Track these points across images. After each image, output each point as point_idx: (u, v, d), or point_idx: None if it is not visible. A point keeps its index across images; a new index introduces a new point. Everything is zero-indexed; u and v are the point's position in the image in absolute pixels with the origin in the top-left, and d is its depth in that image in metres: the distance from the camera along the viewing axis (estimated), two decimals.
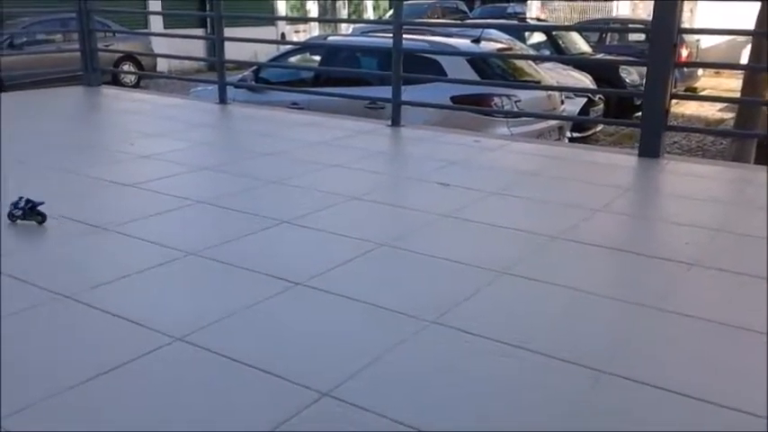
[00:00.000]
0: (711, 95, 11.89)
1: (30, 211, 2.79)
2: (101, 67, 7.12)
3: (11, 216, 2.80)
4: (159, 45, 13.82)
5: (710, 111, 11.10)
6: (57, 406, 1.61)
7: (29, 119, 5.38)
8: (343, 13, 22.20)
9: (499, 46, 7.43)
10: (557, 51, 10.63)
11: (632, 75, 10.60)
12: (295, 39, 18.91)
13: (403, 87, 5.11)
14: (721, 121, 10.50)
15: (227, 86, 6.15)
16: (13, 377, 1.72)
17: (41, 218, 2.80)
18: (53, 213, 2.85)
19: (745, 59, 13.26)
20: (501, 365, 1.82)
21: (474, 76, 6.44)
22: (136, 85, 13.08)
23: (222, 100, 6.03)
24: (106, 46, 11.50)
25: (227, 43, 5.99)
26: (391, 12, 18.92)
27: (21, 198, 2.83)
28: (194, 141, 4.60)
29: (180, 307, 2.16)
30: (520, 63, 7.41)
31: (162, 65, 15.12)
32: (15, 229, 2.78)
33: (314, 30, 20.13)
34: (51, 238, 2.72)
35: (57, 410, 1.60)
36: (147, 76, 13.71)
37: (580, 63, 9.82)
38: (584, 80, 8.84)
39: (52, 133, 4.79)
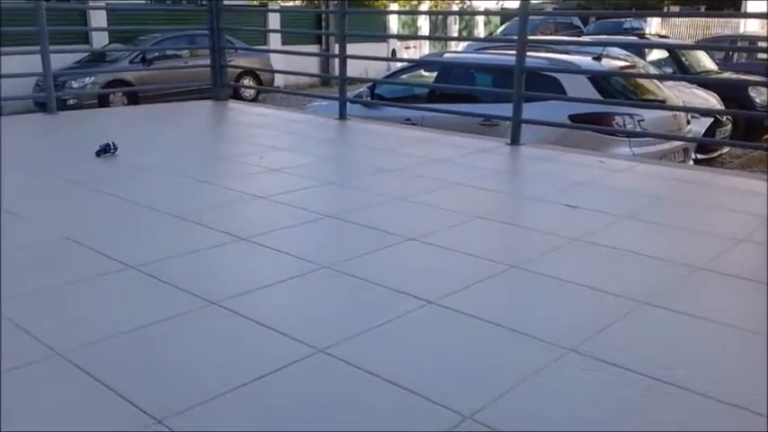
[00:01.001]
0: None
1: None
2: (227, 83, 7.48)
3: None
4: (277, 61, 14.39)
5: None
6: (212, 409, 1.70)
7: (163, 130, 5.74)
8: (454, 30, 22.26)
9: (622, 64, 7.20)
10: (680, 69, 10.19)
11: (763, 95, 10.00)
12: (405, 55, 19.18)
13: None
14: None
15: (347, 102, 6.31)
16: (169, 380, 1.83)
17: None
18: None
19: None
20: (648, 401, 1.75)
21: (595, 94, 6.28)
22: (254, 99, 13.67)
23: (342, 115, 6.19)
24: (229, 62, 12.10)
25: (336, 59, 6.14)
26: (502, 28, 18.71)
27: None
28: (319, 156, 4.74)
29: (319, 319, 2.22)
30: (643, 81, 7.16)
31: (278, 80, 15.72)
32: (166, 238, 2.96)
33: (423, 47, 20.33)
34: (198, 248, 2.87)
35: (211, 414, 1.68)
36: (266, 90, 14.28)
37: (707, 82, 9.35)
38: (711, 100, 8.42)
39: (186, 144, 5.08)
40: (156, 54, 12.95)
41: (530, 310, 2.32)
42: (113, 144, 4.37)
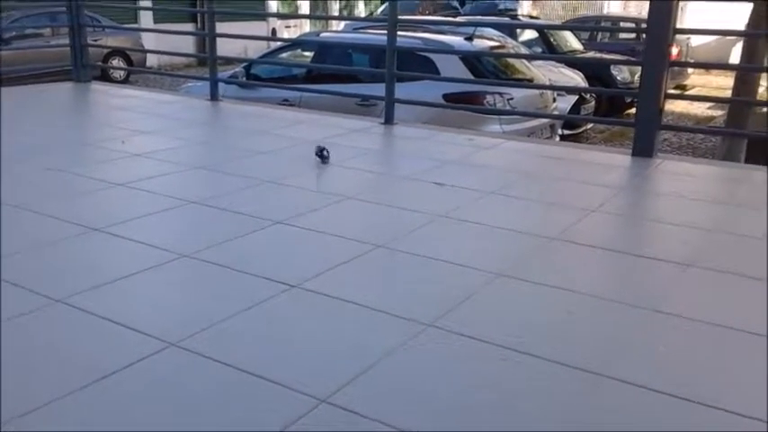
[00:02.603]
0: (705, 95, 11.93)
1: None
2: (90, 63, 7.05)
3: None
4: (149, 40, 13.72)
5: (700, 108, 11.16)
6: (55, 411, 1.59)
7: (18, 115, 5.32)
8: (335, 9, 22.11)
9: (492, 44, 7.41)
10: (548, 49, 10.65)
11: (623, 72, 10.65)
12: (286, 35, 18.85)
13: (396, 85, 5.08)
14: (711, 118, 10.55)
15: (218, 83, 6.11)
16: (11, 382, 1.69)
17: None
18: None
19: (734, 58, 13.34)
20: (499, 369, 1.81)
21: (467, 74, 6.44)
22: (125, 81, 13.00)
23: (213, 96, 5.99)
24: (95, 41, 11.40)
25: (217, 39, 5.94)
26: (383, 8, 18.81)
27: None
28: (187, 139, 4.56)
29: (174, 311, 2.14)
30: (512, 60, 7.41)
31: (151, 60, 15.02)
32: (11, 232, 2.74)
33: (305, 26, 20.08)
34: (43, 240, 2.68)
35: (56, 416, 1.57)
36: (136, 71, 13.61)
37: (574, 61, 9.82)
38: (576, 78, 8.86)
39: (41, 130, 4.74)
40: (15, 33, 11.99)
41: (392, 288, 2.34)
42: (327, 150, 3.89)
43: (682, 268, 2.48)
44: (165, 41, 13.14)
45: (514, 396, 1.70)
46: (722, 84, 13.10)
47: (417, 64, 6.22)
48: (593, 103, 8.86)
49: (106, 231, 2.74)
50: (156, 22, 15.63)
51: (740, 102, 7.06)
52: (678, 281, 2.40)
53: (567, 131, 7.91)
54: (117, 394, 1.67)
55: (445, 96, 6.11)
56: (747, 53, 7.21)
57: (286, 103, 6.52)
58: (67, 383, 1.69)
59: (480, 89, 6.34)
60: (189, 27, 17.07)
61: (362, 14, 21.44)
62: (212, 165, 3.91)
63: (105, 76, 12.14)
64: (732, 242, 2.80)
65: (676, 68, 12.30)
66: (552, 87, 7.52)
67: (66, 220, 2.85)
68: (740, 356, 1.91)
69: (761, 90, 8.52)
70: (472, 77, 6.44)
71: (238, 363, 1.80)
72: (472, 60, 6.60)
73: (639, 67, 4.18)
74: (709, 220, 3.11)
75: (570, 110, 7.90)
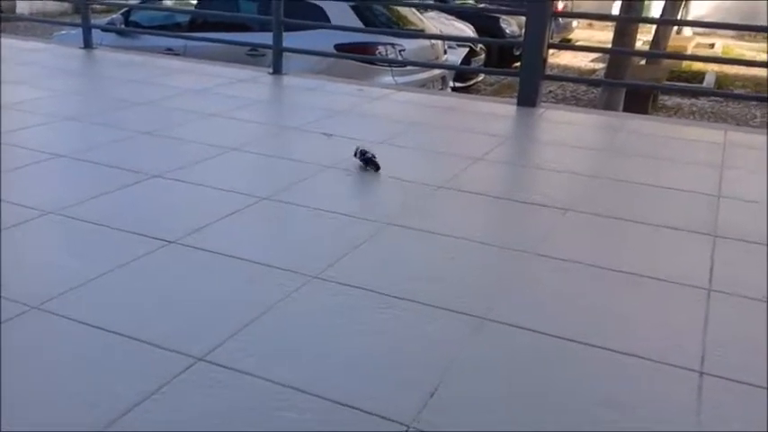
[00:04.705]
0: (585, 45, 12.37)
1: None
2: None
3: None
4: None
5: (584, 61, 11.56)
6: None
7: None
8: None
9: None
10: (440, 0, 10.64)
11: (512, 26, 10.82)
12: None
13: (286, 34, 4.92)
14: (593, 71, 10.96)
15: (94, 30, 5.69)
16: None
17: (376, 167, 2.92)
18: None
19: (616, 11, 13.87)
20: (381, 317, 1.79)
21: (358, 24, 6.31)
22: None
23: (87, 44, 5.58)
24: None
25: None
26: None
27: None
28: (57, 90, 4.23)
29: (38, 272, 1.98)
30: (404, 11, 7.34)
31: (21, 7, 13.81)
32: None
33: None
34: None
35: None
36: (4, 19, 12.47)
37: (463, 13, 9.87)
38: (467, 30, 8.92)
39: None
40: None
41: (277, 241, 2.28)
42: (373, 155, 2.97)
43: (561, 212, 2.55)
44: None
45: (400, 342, 1.69)
46: (604, 38, 13.61)
47: (307, 13, 6.04)
48: (484, 56, 8.97)
49: None
50: None
51: (618, 52, 7.35)
52: (558, 225, 2.47)
53: (458, 84, 7.98)
54: None
55: (337, 47, 5.98)
56: (626, 6, 7.50)
57: (170, 52, 6.17)
58: None
59: (373, 39, 6.24)
60: None
61: None
62: (84, 116, 3.65)
63: None
64: (610, 187, 2.92)
65: (562, 22, 12.69)
66: (443, 37, 7.52)
67: None
68: (617, 296, 1.99)
69: (638, 44, 8.92)
70: (364, 27, 6.32)
71: (108, 324, 1.69)
72: (364, 10, 6.48)
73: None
74: (588, 166, 3.22)
75: (461, 62, 7.96)
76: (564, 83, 9.67)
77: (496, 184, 2.97)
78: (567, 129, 3.87)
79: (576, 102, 8.95)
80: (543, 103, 4.39)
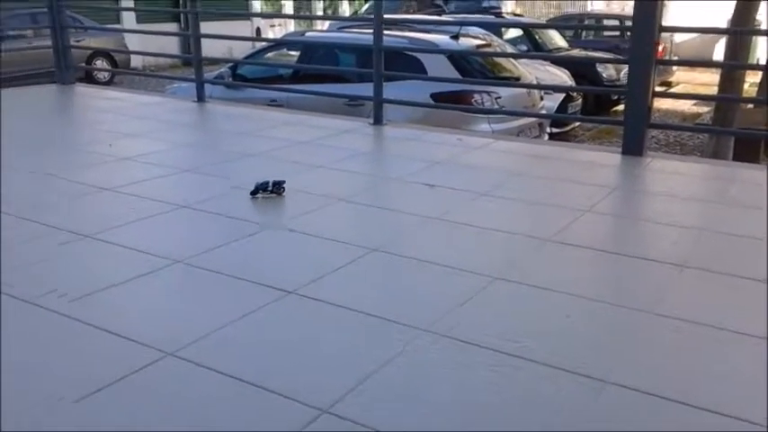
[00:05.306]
0: (692, 93, 11.99)
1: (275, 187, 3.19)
2: (73, 64, 6.96)
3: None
4: (132, 41, 13.59)
5: (686, 105, 11.23)
6: (55, 421, 1.55)
7: (2, 119, 5.24)
8: (319, 9, 22.03)
9: (478, 42, 7.41)
10: (534, 47, 10.68)
11: (609, 70, 10.69)
12: (271, 34, 18.76)
13: (384, 84, 5.06)
14: (698, 115, 10.61)
15: (205, 84, 6.06)
16: (9, 392, 1.66)
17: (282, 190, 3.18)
18: None
19: (717, 54, 13.44)
20: (498, 375, 1.79)
21: (454, 73, 6.42)
22: (109, 82, 12.87)
23: (200, 98, 5.94)
24: (77, 41, 11.28)
25: (201, 39, 5.89)
26: (367, 7, 18.76)
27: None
28: (174, 142, 4.51)
29: (169, 319, 2.10)
30: (499, 59, 7.41)
31: (136, 61, 14.88)
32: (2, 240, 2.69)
33: (289, 25, 19.98)
34: (31, 248, 2.63)
35: (55, 426, 1.54)
36: (121, 72, 13.48)
37: (560, 59, 9.84)
38: (563, 76, 8.88)
39: (27, 134, 4.67)
40: None
41: (388, 293, 2.32)
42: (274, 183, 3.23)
43: (677, 269, 2.48)
44: (149, 42, 13.03)
45: (515, 402, 1.69)
46: (707, 80, 13.20)
47: (404, 63, 6.21)
48: (581, 101, 8.89)
49: (96, 238, 2.70)
50: (138, 22, 15.48)
51: (726, 99, 7.11)
52: (674, 282, 2.39)
53: (555, 130, 7.93)
54: (113, 407, 1.64)
55: (433, 96, 6.10)
56: (731, 50, 7.26)
57: (273, 103, 6.48)
58: (61, 396, 1.65)
59: (468, 88, 6.33)
60: (172, 27, 16.94)
61: (347, 14, 21.37)
62: (201, 167, 3.87)
63: (90, 78, 12.01)
64: (724, 242, 2.81)
65: (662, 66, 12.41)
66: (540, 86, 7.53)
67: (55, 227, 2.80)
68: (739, 359, 1.91)
69: (746, 86, 8.59)
70: (460, 77, 6.43)
71: (236, 372, 1.77)
72: (459, 59, 6.59)
73: (624, 65, 4.19)
74: (701, 219, 3.12)
75: (558, 108, 7.92)
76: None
77: (606, 237, 2.92)
78: (677, 179, 3.77)
79: (680, 148, 8.67)
80: (649, 152, 4.30)
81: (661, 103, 11.15)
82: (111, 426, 1.57)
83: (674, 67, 13.39)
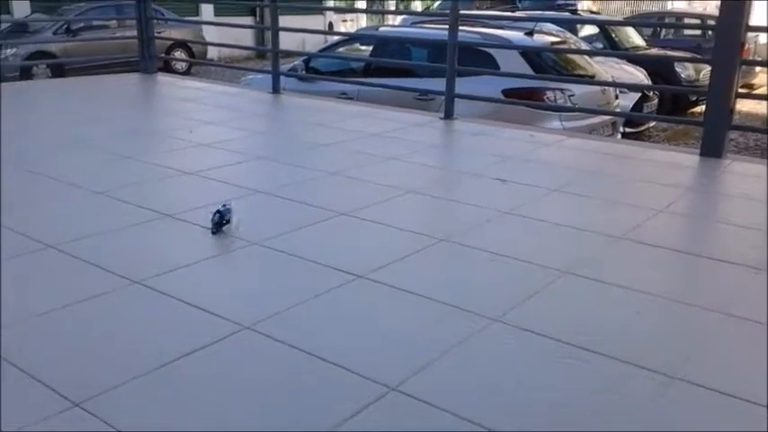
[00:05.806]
0: None
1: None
2: (156, 54, 7.24)
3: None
4: (209, 33, 14.00)
5: None
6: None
7: (87, 104, 5.53)
8: (391, 4, 22.13)
9: (553, 39, 7.31)
10: (610, 45, 10.43)
11: (688, 70, 10.34)
12: (342, 28, 18.96)
13: (456, 79, 5.08)
14: None
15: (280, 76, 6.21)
16: (98, 360, 1.78)
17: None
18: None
19: None
20: (567, 367, 1.80)
21: (527, 69, 6.36)
22: (186, 72, 13.29)
23: (275, 89, 6.09)
24: (158, 33, 11.70)
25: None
26: (438, 3, 18.67)
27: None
28: (251, 130, 4.66)
29: (246, 296, 2.20)
30: (574, 56, 7.29)
31: (212, 53, 15.31)
32: (89, 216, 2.86)
33: (361, 20, 20.14)
34: (122, 225, 2.79)
35: (139, 392, 1.65)
36: (198, 63, 13.90)
37: (637, 58, 9.59)
38: (639, 75, 8.65)
39: (111, 119, 4.91)
40: (82, 25, 12.40)
41: (458, 282, 2.35)
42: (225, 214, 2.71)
43: (754, 272, 2.42)
44: (225, 34, 13.39)
45: (585, 395, 1.70)
46: None
47: (476, 59, 6.19)
48: (657, 100, 8.65)
49: (178, 218, 2.83)
50: (216, 15, 15.93)
51: None
52: (750, 285, 2.34)
53: (628, 129, 7.74)
54: (193, 372, 1.74)
55: (504, 92, 6.06)
56: None
57: (344, 96, 6.57)
58: (143, 364, 1.76)
59: (541, 85, 6.26)
60: (247, 20, 17.34)
61: (419, 8, 21.38)
62: (275, 156, 3.99)
63: (168, 68, 12.44)
64: None
65: (745, 67, 11.93)
66: (615, 84, 7.36)
67: (142, 206, 2.95)
68: None
69: None
70: (533, 73, 6.36)
71: (308, 347, 1.85)
72: (532, 56, 6.52)
73: (704, 65, 4.08)
74: None
75: (633, 107, 7.74)
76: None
77: (681, 237, 2.87)
78: (757, 183, 3.64)
79: (760, 152, 8.33)
80: (729, 154, 4.17)
81: (742, 106, 10.72)
82: (196, 389, 1.67)
83: (758, 69, 12.84)
